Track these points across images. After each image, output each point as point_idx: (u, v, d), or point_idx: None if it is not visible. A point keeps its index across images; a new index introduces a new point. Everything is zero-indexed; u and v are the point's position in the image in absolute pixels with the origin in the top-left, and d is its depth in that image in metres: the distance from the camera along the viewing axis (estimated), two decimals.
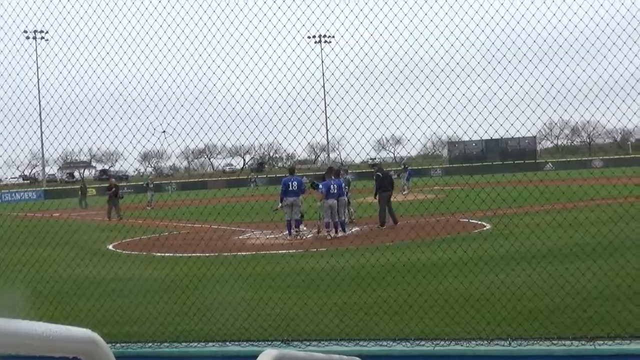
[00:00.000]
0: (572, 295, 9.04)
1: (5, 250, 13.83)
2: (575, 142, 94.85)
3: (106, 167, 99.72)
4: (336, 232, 20.13)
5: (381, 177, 23.46)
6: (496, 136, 8.56)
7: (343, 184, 21.37)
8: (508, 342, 6.94)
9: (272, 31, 8.17)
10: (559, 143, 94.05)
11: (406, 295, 9.54)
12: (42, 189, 74.81)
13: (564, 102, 7.49)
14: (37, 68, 9.46)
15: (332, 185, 20.46)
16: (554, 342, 6.78)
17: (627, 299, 8.82)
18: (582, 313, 8.21)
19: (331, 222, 20.13)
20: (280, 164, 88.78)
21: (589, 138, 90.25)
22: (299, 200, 20.80)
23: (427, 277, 10.78)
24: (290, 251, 16.61)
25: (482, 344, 7.00)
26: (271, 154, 77.77)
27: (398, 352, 7.02)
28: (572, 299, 8.90)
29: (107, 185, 37.24)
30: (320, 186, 20.60)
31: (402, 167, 44.19)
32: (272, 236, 20.03)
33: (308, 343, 7.45)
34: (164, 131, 9.30)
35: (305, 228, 21.04)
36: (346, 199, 21.45)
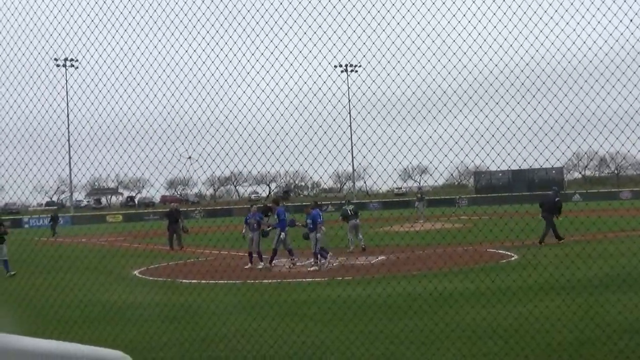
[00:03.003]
0: (602, 327, 8.88)
1: (36, 274, 13.99)
2: (603, 173, 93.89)
3: (132, 193, 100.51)
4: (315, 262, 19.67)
5: (544, 200, 24.46)
6: (524, 166, 8.50)
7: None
8: None
9: (299, 58, 8.22)
10: (587, 174, 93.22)
11: (433, 325, 9.45)
12: (70, 214, 75.40)
13: (593, 131, 7.42)
14: (67, 95, 9.61)
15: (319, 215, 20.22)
16: None
17: None
18: (612, 346, 8.06)
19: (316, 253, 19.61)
20: (305, 192, 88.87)
21: (617, 169, 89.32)
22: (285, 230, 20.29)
23: (454, 307, 10.67)
24: (317, 279, 16.54)
25: None
26: (297, 182, 77.89)
27: None
28: (602, 331, 8.74)
29: (167, 210, 32.50)
30: (315, 218, 20.17)
31: (419, 195, 44.20)
32: (299, 264, 19.94)
33: None
34: (189, 157, 9.37)
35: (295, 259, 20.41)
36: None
